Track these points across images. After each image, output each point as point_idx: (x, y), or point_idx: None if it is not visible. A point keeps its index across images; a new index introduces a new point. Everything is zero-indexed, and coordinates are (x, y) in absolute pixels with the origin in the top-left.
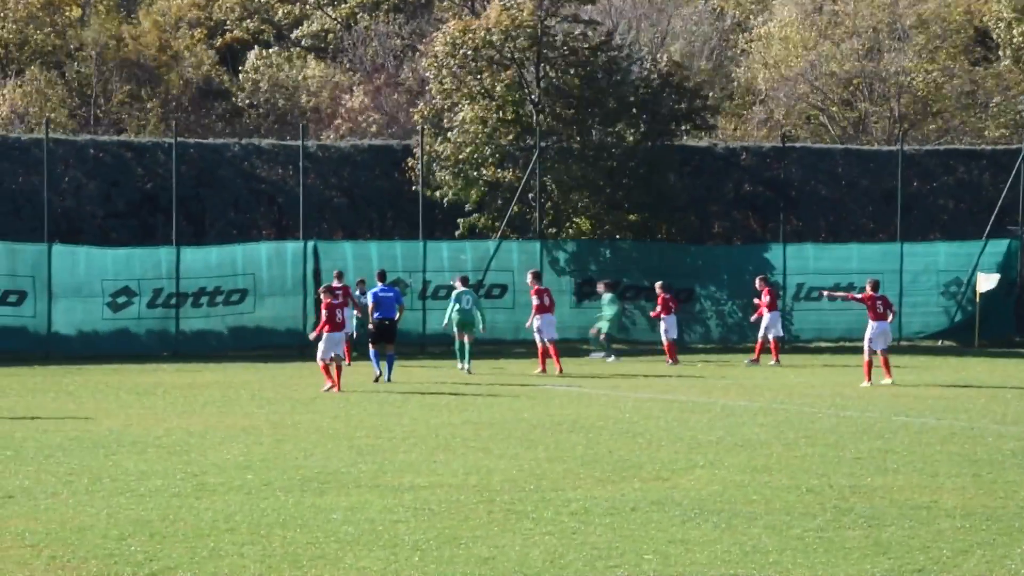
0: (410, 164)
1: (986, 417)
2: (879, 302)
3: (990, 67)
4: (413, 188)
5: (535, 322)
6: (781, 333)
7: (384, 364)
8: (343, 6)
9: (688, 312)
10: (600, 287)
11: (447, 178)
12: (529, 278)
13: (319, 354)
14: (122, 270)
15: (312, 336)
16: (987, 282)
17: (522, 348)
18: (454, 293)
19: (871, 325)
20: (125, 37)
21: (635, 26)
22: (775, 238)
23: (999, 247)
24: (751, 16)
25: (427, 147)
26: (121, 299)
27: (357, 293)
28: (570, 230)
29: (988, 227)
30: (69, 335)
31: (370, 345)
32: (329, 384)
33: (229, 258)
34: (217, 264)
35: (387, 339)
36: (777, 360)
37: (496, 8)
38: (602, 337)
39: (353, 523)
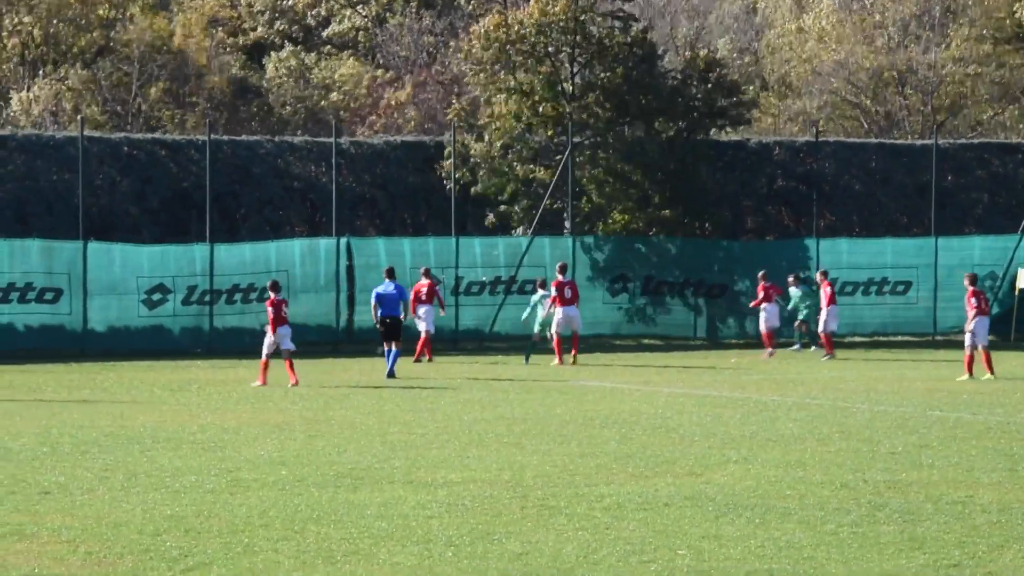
0: (442, 163)
1: (1022, 412)
2: (979, 297)
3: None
4: (446, 185)
5: (556, 314)
6: (835, 328)
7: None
8: (372, 4)
9: (722, 307)
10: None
11: (481, 175)
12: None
13: (269, 349)
14: (157, 267)
15: (271, 336)
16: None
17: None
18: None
19: (974, 320)
20: (171, 35)
21: (671, 21)
22: (809, 233)
23: None
24: (786, 10)
25: (460, 144)
26: (156, 296)
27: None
28: (603, 226)
29: None
30: (104, 332)
31: (383, 344)
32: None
33: (263, 255)
34: (251, 261)
35: (391, 337)
36: (831, 353)
37: (532, 3)
38: (535, 338)
39: (386, 519)
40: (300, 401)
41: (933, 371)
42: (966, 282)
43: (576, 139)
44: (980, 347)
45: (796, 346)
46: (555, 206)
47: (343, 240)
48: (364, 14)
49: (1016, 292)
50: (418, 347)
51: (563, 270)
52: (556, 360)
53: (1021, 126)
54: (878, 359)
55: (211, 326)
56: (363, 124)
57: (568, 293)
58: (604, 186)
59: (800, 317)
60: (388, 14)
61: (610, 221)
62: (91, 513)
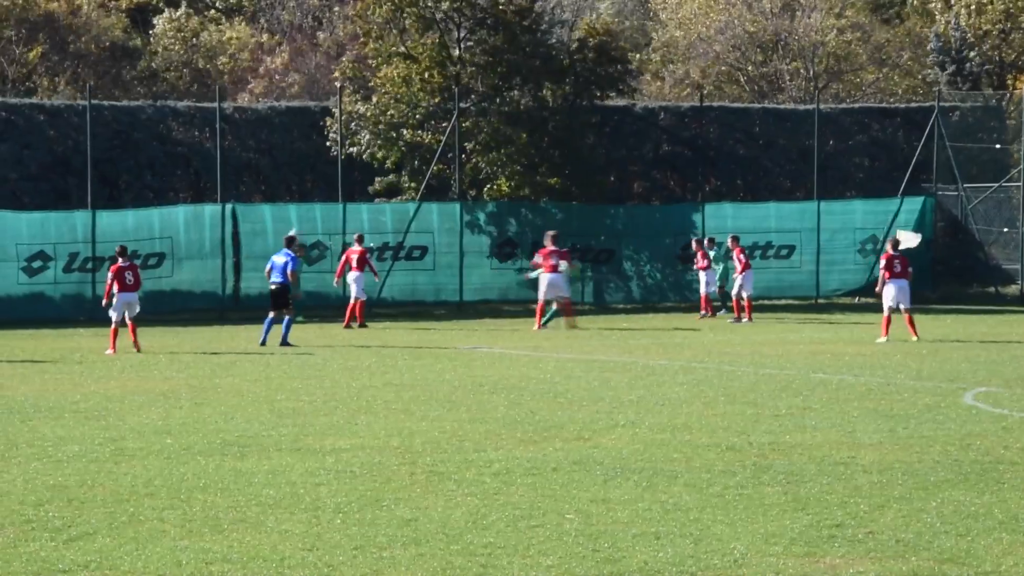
0: (329, 123)
1: (902, 373)
2: (897, 261)
3: (900, 24)
4: (331, 150)
5: (541, 282)
6: (749, 292)
7: (277, 331)
8: None
9: (609, 273)
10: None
11: (367, 138)
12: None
13: (114, 316)
14: (37, 234)
15: (104, 303)
16: (909, 240)
17: (442, 310)
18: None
19: (890, 283)
20: None
21: None
22: (694, 197)
23: (915, 205)
24: None
25: (347, 107)
26: (36, 264)
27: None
28: (490, 192)
29: (903, 185)
30: None
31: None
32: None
33: (146, 222)
34: (134, 228)
35: (276, 304)
36: (749, 318)
37: None
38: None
39: (274, 486)
40: (186, 369)
41: (816, 334)
42: (888, 246)
43: (463, 105)
44: (903, 309)
45: (722, 311)
46: (443, 172)
47: (228, 207)
48: None
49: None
50: (347, 313)
51: (555, 239)
52: (536, 326)
53: (899, 91)
54: (763, 322)
55: (93, 294)
56: (246, 90)
57: (554, 261)
58: (490, 152)
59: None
60: None
61: (496, 187)
62: None
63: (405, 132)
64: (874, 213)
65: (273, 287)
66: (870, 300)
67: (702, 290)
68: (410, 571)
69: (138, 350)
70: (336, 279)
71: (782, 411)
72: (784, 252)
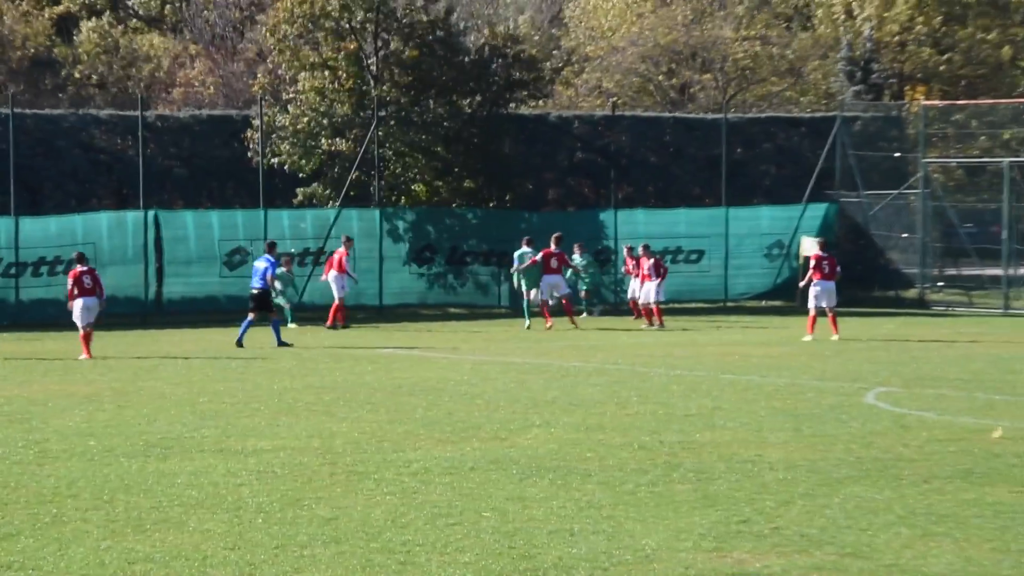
0: (249, 134)
1: (807, 374)
2: (825, 262)
3: (806, 35)
4: (252, 159)
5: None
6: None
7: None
8: None
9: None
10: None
11: (286, 148)
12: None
13: (78, 323)
14: None
15: (70, 307)
16: (811, 247)
17: (362, 313)
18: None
19: (817, 284)
20: None
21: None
22: (607, 204)
23: (818, 211)
24: None
25: (266, 117)
26: None
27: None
28: (407, 198)
29: (808, 192)
30: None
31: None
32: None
33: (69, 228)
34: (57, 234)
35: (256, 308)
36: (661, 323)
37: None
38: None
39: (197, 487)
40: (109, 372)
41: (725, 336)
42: (817, 247)
43: (380, 113)
44: (827, 310)
45: (584, 315)
46: (361, 179)
47: (151, 213)
48: None
49: (800, 260)
50: (331, 313)
51: (558, 241)
52: (548, 323)
53: (803, 100)
54: (673, 326)
55: (17, 298)
56: (167, 98)
57: (554, 263)
58: (407, 159)
59: (583, 287)
60: None
61: (413, 193)
62: None
63: (323, 141)
64: (780, 219)
65: (254, 291)
66: (777, 303)
67: (634, 295)
68: (331, 569)
69: (88, 356)
70: (323, 277)
71: (692, 411)
72: (694, 257)
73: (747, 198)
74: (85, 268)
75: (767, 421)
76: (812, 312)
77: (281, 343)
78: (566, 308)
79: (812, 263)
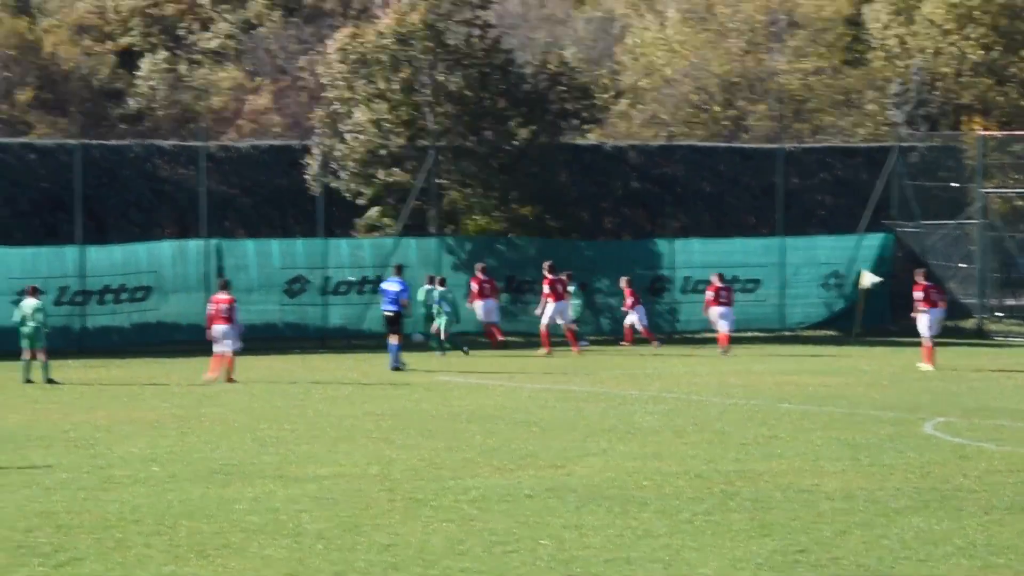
0: (308, 164)
1: (864, 403)
2: (933, 291)
3: (863, 67)
4: (312, 188)
5: (549, 309)
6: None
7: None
8: (242, 11)
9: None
10: (438, 288)
11: (345, 177)
12: (545, 268)
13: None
14: (28, 269)
15: (208, 335)
16: (871, 280)
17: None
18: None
19: (928, 312)
20: (39, 41)
21: (525, 29)
22: (663, 233)
23: (875, 241)
24: (638, 17)
25: (325, 148)
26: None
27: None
28: (464, 227)
29: (864, 221)
30: None
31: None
32: None
33: (133, 256)
34: (122, 262)
35: (389, 330)
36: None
37: (390, 14)
38: (442, 335)
39: (258, 513)
40: (172, 399)
41: (781, 365)
42: (918, 276)
43: (437, 144)
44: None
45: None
46: (419, 208)
47: (212, 242)
48: (232, 21)
49: (859, 290)
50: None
51: (551, 269)
52: (545, 350)
53: (860, 131)
54: (730, 354)
55: (82, 326)
56: (231, 129)
57: (560, 289)
58: (464, 188)
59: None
60: (257, 21)
61: (470, 222)
62: None
63: (380, 171)
64: (837, 248)
65: (387, 314)
66: (833, 333)
67: (635, 324)
68: None
69: (212, 377)
70: (469, 304)
71: (749, 440)
72: (750, 286)
73: (802, 228)
74: (225, 296)
75: (824, 450)
76: (928, 343)
77: (395, 367)
78: (568, 336)
79: (919, 293)
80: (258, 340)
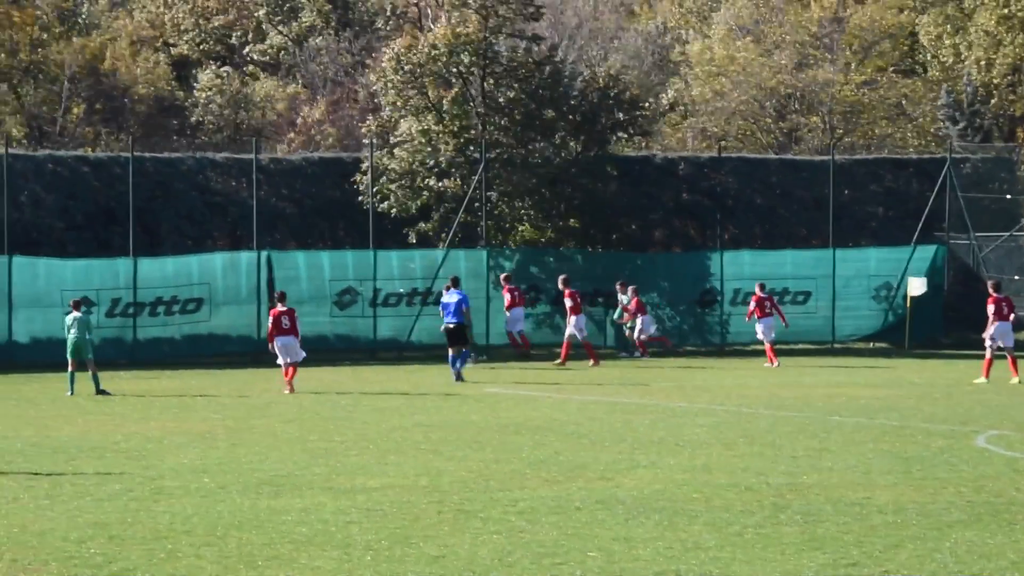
0: (359, 177)
1: (916, 416)
2: (1004, 303)
3: (916, 78)
4: (362, 201)
5: (576, 322)
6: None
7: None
8: (295, 24)
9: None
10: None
11: (393, 189)
12: (560, 283)
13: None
14: (81, 280)
15: (270, 347)
16: (917, 287)
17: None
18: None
19: (995, 324)
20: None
21: (577, 41)
22: (713, 245)
23: (927, 252)
24: (689, 30)
25: (375, 160)
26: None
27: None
28: (515, 238)
29: (916, 233)
30: (29, 344)
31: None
32: None
33: (185, 268)
34: (173, 274)
35: (453, 342)
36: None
37: (443, 25)
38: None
39: (307, 524)
40: (222, 410)
41: (832, 377)
42: (989, 287)
43: (487, 155)
44: (1007, 351)
45: (637, 352)
46: (468, 220)
47: (264, 254)
48: (285, 33)
49: (909, 301)
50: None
51: (566, 283)
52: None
53: (913, 141)
54: (780, 366)
55: (134, 337)
56: (282, 141)
57: (578, 301)
58: (513, 200)
59: (631, 324)
60: (309, 33)
61: (519, 233)
62: (16, 521)
63: (430, 182)
64: (888, 260)
65: (449, 326)
66: (885, 345)
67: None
68: None
69: (290, 391)
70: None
71: (799, 452)
72: (800, 298)
73: (854, 239)
74: (284, 308)
75: (875, 463)
76: (989, 355)
77: (459, 378)
78: (588, 347)
79: (991, 306)
80: (308, 352)
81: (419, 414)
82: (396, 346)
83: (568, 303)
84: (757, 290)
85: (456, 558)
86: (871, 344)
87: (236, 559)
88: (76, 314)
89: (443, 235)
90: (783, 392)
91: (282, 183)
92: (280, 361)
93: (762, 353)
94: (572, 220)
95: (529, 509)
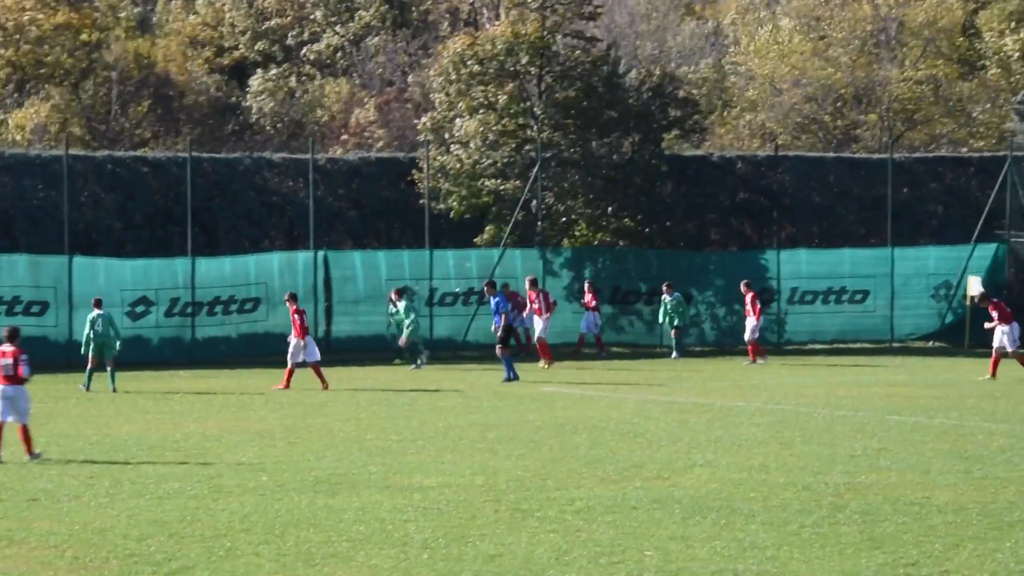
0: (415, 176)
1: (976, 415)
2: (999, 307)
3: (977, 76)
4: (420, 200)
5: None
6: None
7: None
8: (351, 24)
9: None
10: (393, 295)
11: (450, 188)
12: (528, 284)
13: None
14: (140, 280)
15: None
16: (975, 287)
17: (524, 352)
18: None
19: (1004, 327)
20: (151, 57)
21: (632, 40)
22: (770, 244)
23: (987, 251)
24: (747, 27)
25: (431, 159)
26: (139, 308)
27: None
28: (570, 238)
29: (976, 232)
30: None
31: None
32: None
33: (242, 268)
34: (231, 274)
35: (499, 342)
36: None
37: (501, 24)
38: (404, 343)
39: (364, 522)
40: (280, 409)
41: (890, 376)
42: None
43: (544, 155)
44: (1010, 350)
45: (675, 354)
46: (524, 219)
47: (320, 253)
48: (342, 34)
49: (968, 300)
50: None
51: (533, 283)
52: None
53: (972, 141)
54: (837, 365)
55: (192, 337)
56: (337, 141)
57: (547, 302)
58: (569, 199)
59: (676, 324)
60: (369, 33)
61: (576, 233)
62: (77, 519)
63: (486, 182)
64: (948, 259)
65: (494, 328)
66: (944, 344)
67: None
68: None
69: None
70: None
71: (858, 452)
72: (859, 297)
73: (913, 238)
74: (294, 306)
75: (935, 463)
76: (996, 354)
77: (509, 379)
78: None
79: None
80: (365, 351)
81: (475, 413)
82: (452, 345)
83: (534, 305)
84: (747, 288)
85: (513, 557)
86: (930, 343)
87: (294, 557)
88: (99, 312)
89: (500, 235)
90: (841, 391)
91: (339, 183)
92: (304, 359)
93: (821, 352)
94: (628, 220)
95: (586, 508)
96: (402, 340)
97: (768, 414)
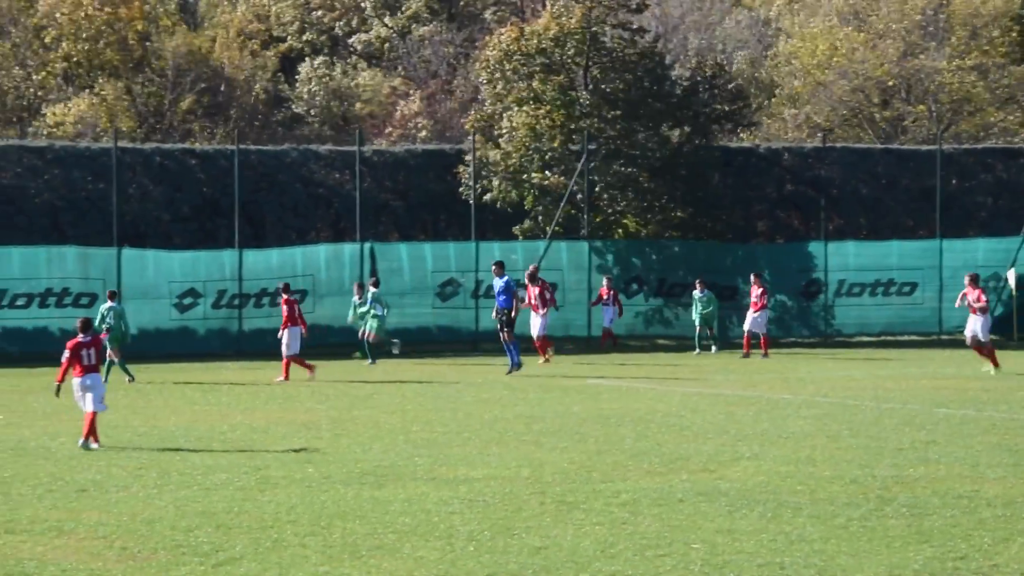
0: (461, 170)
1: None
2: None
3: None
4: (464, 193)
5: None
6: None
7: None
8: (399, 15)
9: (731, 308)
10: (371, 289)
11: (497, 183)
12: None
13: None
14: (188, 272)
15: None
16: (1012, 278)
17: (570, 344)
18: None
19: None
20: (203, 49)
21: (681, 31)
22: (817, 236)
23: None
24: (794, 18)
25: (478, 153)
26: (187, 300)
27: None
28: (618, 231)
29: None
30: (137, 335)
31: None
32: None
33: (289, 260)
34: (278, 266)
35: (502, 327)
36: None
37: (547, 16)
38: (371, 338)
39: (410, 514)
40: (326, 400)
41: (939, 369)
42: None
43: (590, 147)
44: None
45: (711, 348)
46: (571, 211)
47: (367, 245)
48: (390, 26)
49: (1015, 292)
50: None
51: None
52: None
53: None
54: (885, 358)
55: (240, 328)
56: (382, 134)
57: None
58: (616, 191)
59: (700, 322)
60: (414, 25)
61: (623, 225)
62: (126, 510)
63: (533, 175)
64: (997, 251)
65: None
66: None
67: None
68: None
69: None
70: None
71: (905, 445)
72: (907, 289)
73: (962, 230)
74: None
75: (984, 456)
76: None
77: (515, 365)
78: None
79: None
80: (410, 343)
81: (521, 405)
82: (498, 337)
83: (532, 301)
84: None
85: (559, 549)
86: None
87: (340, 549)
88: (111, 304)
89: (545, 227)
90: (888, 384)
91: (385, 175)
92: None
93: (868, 344)
94: (675, 212)
95: (631, 501)
96: (370, 334)
97: (815, 407)
